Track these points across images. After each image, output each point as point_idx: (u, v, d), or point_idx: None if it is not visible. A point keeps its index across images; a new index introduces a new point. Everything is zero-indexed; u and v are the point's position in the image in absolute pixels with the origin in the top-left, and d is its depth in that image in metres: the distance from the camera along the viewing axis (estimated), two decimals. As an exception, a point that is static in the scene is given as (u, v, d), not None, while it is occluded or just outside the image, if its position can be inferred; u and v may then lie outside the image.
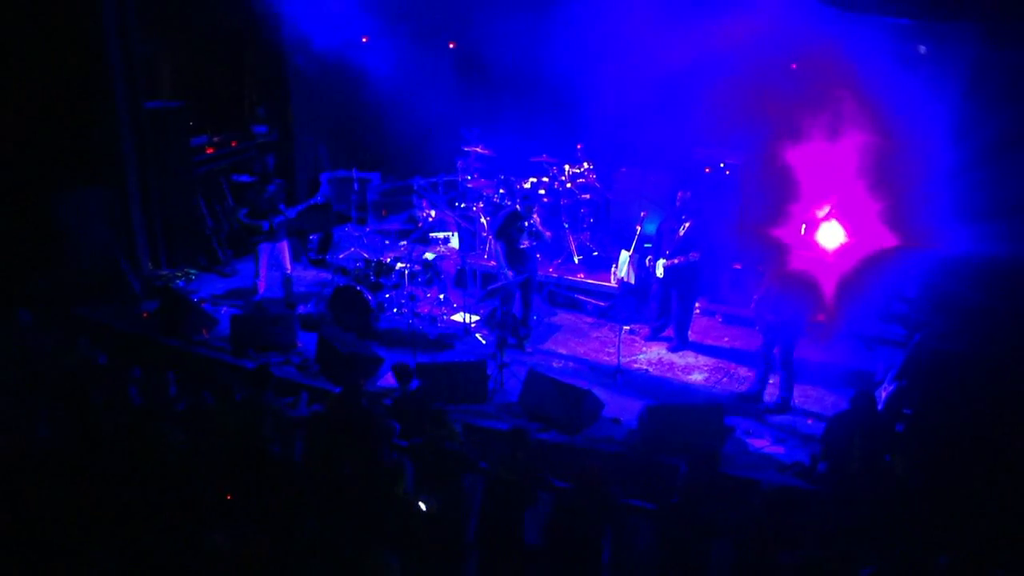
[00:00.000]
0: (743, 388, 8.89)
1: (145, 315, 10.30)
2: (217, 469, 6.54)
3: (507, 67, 12.69)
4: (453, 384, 8.49)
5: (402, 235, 11.11)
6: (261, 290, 10.61)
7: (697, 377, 9.27)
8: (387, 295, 10.09)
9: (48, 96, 10.57)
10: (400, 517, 5.98)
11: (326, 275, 11.22)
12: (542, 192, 11.26)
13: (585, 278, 10.93)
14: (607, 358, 9.52)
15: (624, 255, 9.79)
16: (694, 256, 9.30)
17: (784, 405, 8.53)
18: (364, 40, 12.37)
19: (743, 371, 9.34)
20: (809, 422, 8.33)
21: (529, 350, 9.69)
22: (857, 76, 9.47)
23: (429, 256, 10.44)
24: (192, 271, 11.70)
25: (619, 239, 10.78)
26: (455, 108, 12.77)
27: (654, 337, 9.98)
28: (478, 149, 11.99)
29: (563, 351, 9.80)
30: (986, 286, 7.97)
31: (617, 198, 11.86)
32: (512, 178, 11.13)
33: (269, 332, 9.57)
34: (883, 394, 8.07)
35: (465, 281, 10.59)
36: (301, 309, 10.48)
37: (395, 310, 10.20)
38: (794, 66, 10.44)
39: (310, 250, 12.13)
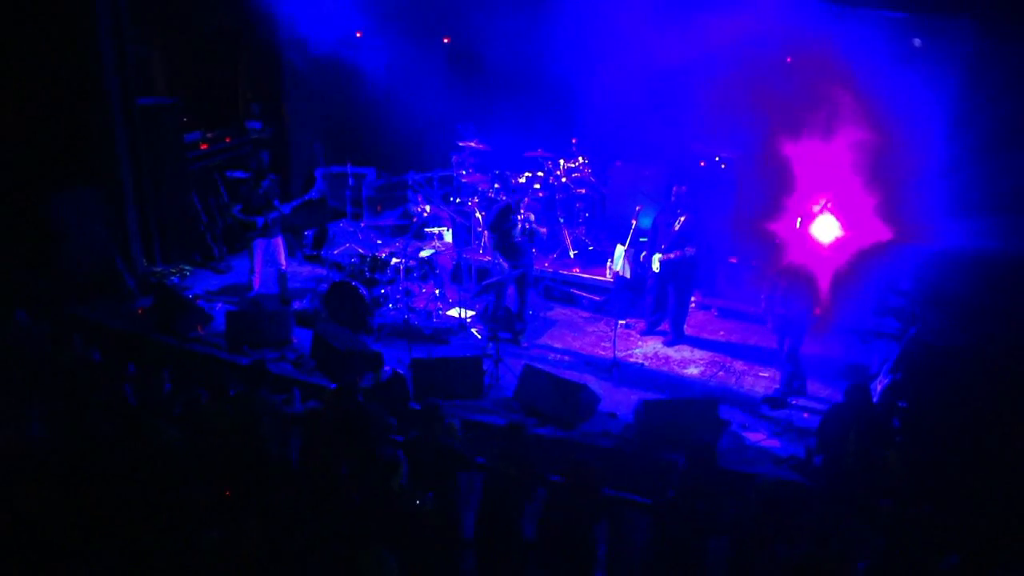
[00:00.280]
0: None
1: (140, 312, 10.29)
2: (213, 467, 6.53)
3: (502, 62, 12.66)
4: (449, 379, 8.50)
5: (397, 231, 11.09)
6: (256, 286, 10.59)
7: (693, 371, 9.29)
8: (382, 291, 10.08)
9: (41, 94, 10.52)
10: (397, 514, 5.98)
11: (321, 271, 11.20)
12: (537, 187, 11.25)
13: (581, 273, 10.93)
14: (603, 352, 9.53)
15: (620, 249, 9.78)
16: (690, 250, 9.31)
17: (783, 400, 8.54)
18: (358, 35, 12.34)
19: (739, 365, 9.36)
20: (805, 415, 8.34)
21: (525, 345, 9.70)
22: (852, 71, 9.46)
23: (425, 252, 10.43)
24: (187, 268, 11.67)
25: (615, 233, 10.76)
26: (450, 103, 12.74)
27: (650, 331, 9.99)
28: (473, 144, 11.96)
29: (559, 346, 9.81)
30: (980, 281, 7.99)
31: (612, 193, 11.86)
32: (507, 173, 11.11)
33: (264, 328, 9.55)
34: (878, 387, 8.10)
35: (460, 276, 10.59)
36: (296, 305, 10.47)
37: (390, 306, 10.19)
38: (789, 60, 10.43)
39: (305, 246, 12.11)
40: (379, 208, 12.56)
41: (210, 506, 6.09)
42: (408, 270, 10.17)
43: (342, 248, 11.01)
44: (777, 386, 8.68)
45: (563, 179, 11.49)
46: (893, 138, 9.24)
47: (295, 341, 9.55)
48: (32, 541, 5.61)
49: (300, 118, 13.54)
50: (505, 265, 9.60)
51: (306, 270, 11.73)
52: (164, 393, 7.82)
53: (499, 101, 12.68)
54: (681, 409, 7.96)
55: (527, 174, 11.42)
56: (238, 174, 12.44)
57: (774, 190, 10.08)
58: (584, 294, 10.72)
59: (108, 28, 10.53)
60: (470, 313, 10.11)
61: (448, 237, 11.07)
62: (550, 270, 10.96)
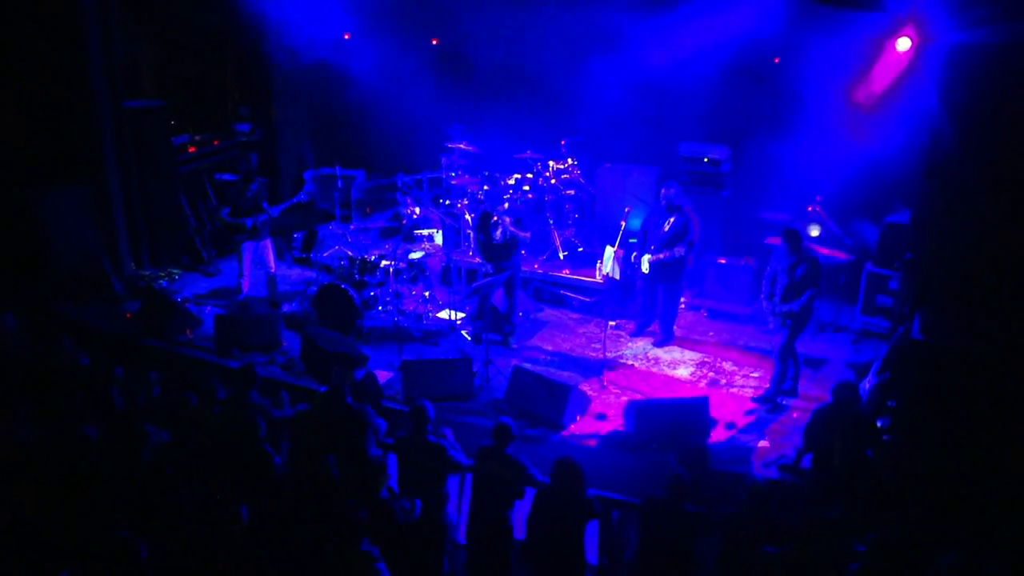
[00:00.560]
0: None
1: (128, 315, 10.24)
2: (202, 470, 6.50)
3: (491, 63, 12.69)
4: (439, 381, 8.49)
5: (387, 233, 11.07)
6: (245, 289, 10.55)
7: (683, 372, 9.29)
8: (372, 293, 10.06)
9: (28, 95, 10.47)
10: (387, 515, 5.97)
11: (310, 273, 11.17)
12: (527, 188, 11.26)
13: (570, 274, 10.93)
14: (593, 354, 9.53)
15: (609, 251, 9.79)
16: (679, 251, 9.32)
17: (773, 400, 8.56)
18: (347, 37, 12.32)
19: (729, 365, 9.37)
20: (795, 416, 8.36)
21: (515, 346, 9.69)
22: (836, 70, 9.52)
23: (414, 254, 10.42)
24: (175, 271, 11.63)
25: (604, 235, 10.79)
26: (439, 105, 12.73)
27: (639, 332, 10.00)
28: (462, 146, 11.96)
29: (549, 347, 9.81)
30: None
31: (602, 194, 11.87)
32: (496, 174, 11.12)
33: (253, 331, 9.53)
34: (867, 386, 8.12)
35: (450, 278, 10.58)
36: (285, 308, 10.44)
37: (380, 308, 10.17)
38: (777, 60, 10.49)
39: (294, 248, 12.08)
40: (368, 210, 12.55)
41: (199, 509, 6.06)
42: (398, 272, 10.15)
43: (331, 250, 10.98)
44: (767, 386, 8.70)
45: (552, 180, 11.50)
46: (879, 137, 9.30)
47: (284, 344, 9.53)
48: (20, 544, 5.57)
49: (289, 120, 13.51)
50: (488, 268, 9.59)
51: (295, 273, 11.70)
52: (153, 396, 7.80)
53: (488, 103, 12.69)
54: (671, 410, 7.98)
55: (516, 175, 11.42)
56: (227, 176, 12.41)
57: (763, 189, 10.12)
58: (574, 295, 10.72)
59: (95, 29, 10.49)
60: (460, 315, 10.10)
61: (438, 239, 11.06)
62: (540, 271, 10.96)
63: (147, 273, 11.36)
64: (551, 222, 11.33)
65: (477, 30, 12.20)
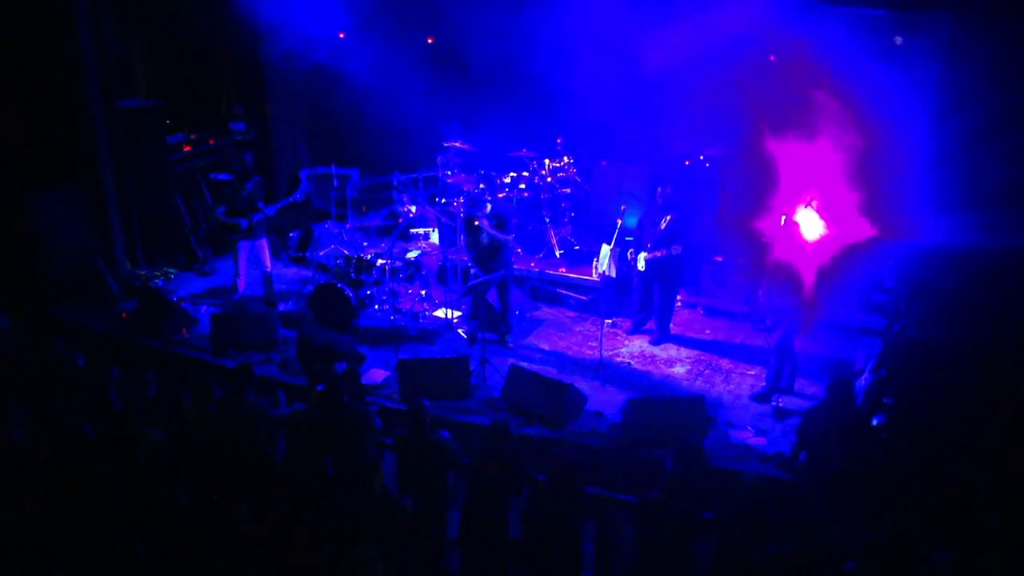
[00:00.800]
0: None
1: (124, 315, 10.22)
2: (198, 470, 6.50)
3: (486, 62, 12.66)
4: (436, 380, 8.48)
5: (383, 232, 11.06)
6: (241, 288, 10.54)
7: (679, 370, 9.30)
8: (368, 292, 10.05)
9: (21, 95, 10.43)
10: (383, 513, 5.96)
11: (307, 272, 11.16)
12: (523, 187, 11.24)
13: (566, 272, 10.93)
14: (589, 352, 9.53)
15: (605, 249, 9.78)
16: (675, 249, 9.32)
17: (769, 397, 8.57)
18: (342, 36, 12.30)
19: (725, 363, 9.38)
20: (792, 413, 8.35)
21: (511, 345, 9.69)
22: (834, 68, 9.50)
23: (411, 253, 10.40)
24: (171, 270, 11.62)
25: (600, 233, 10.77)
26: (434, 103, 12.71)
27: (636, 330, 10.01)
28: (458, 144, 11.94)
29: (545, 346, 9.81)
30: (963, 276, 8.03)
31: (598, 192, 11.87)
32: (492, 173, 11.10)
33: (250, 331, 9.52)
34: (863, 383, 8.13)
35: (447, 277, 10.57)
36: (282, 307, 10.43)
37: (376, 307, 10.16)
38: (772, 58, 10.47)
39: (290, 248, 12.06)
40: (364, 209, 12.52)
41: (196, 509, 6.06)
42: (394, 271, 10.15)
43: (327, 250, 10.96)
44: (763, 383, 8.70)
45: (548, 179, 11.49)
46: (876, 135, 9.29)
47: (281, 343, 9.51)
48: (17, 545, 5.56)
49: (284, 119, 13.49)
50: (477, 271, 9.58)
51: (291, 272, 11.68)
52: (149, 396, 7.78)
53: (484, 101, 12.68)
54: (667, 407, 7.98)
55: (512, 174, 11.41)
56: (222, 176, 12.39)
57: (758, 188, 10.11)
58: (570, 294, 10.72)
59: (88, 29, 10.45)
60: (457, 314, 10.10)
61: (434, 238, 11.04)
62: (536, 270, 10.96)
63: (143, 273, 11.34)
64: (547, 220, 11.33)
65: (473, 29, 12.16)
